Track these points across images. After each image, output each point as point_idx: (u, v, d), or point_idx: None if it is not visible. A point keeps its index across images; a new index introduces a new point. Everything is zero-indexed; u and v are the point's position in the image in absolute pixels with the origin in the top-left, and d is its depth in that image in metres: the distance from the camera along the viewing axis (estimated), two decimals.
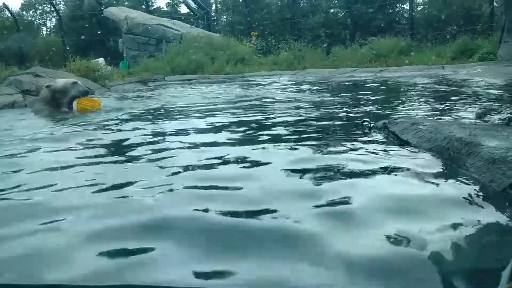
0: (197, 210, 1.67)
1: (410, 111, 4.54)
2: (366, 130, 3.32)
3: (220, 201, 1.82)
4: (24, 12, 34.58)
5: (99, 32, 24.48)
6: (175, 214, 1.68)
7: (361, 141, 3.02)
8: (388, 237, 1.40)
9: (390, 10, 21.12)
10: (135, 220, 1.61)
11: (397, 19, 20.47)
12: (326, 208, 1.69)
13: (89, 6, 28.68)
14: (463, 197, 1.81)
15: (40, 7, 36.56)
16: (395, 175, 2.18)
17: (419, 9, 20.64)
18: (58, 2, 33.07)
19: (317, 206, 1.70)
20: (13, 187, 2.15)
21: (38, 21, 36.34)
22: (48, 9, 35.61)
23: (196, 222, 1.58)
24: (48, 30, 35.69)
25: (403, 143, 2.85)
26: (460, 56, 12.60)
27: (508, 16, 11.05)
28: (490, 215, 1.62)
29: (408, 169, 2.23)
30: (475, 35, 14.04)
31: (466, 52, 12.64)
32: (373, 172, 2.22)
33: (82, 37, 23.56)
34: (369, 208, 1.67)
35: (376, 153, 2.63)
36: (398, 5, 21.40)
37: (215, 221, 1.59)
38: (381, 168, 2.29)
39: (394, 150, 2.71)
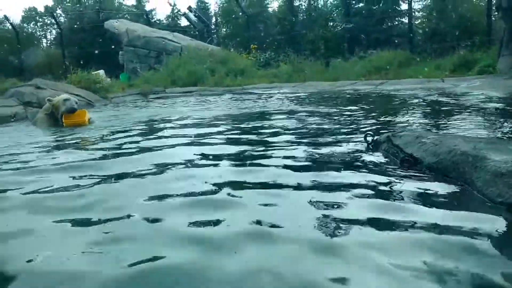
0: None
1: (411, 124, 4.55)
2: (370, 143, 3.31)
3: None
4: (25, 24, 34.76)
5: (100, 44, 24.56)
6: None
7: (364, 155, 3.02)
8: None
9: (389, 24, 21.28)
10: None
11: (396, 32, 20.60)
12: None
13: (90, 18, 28.86)
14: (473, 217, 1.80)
15: (40, 20, 36.77)
16: (400, 191, 2.17)
17: (417, 22, 20.79)
18: (59, 15, 33.28)
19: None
20: None
21: (39, 33, 36.54)
22: (48, 22, 35.83)
23: None
24: (49, 42, 35.86)
25: (407, 157, 2.84)
26: (459, 69, 12.64)
27: (506, 29, 11.11)
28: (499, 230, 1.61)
29: (414, 185, 2.22)
30: (474, 48, 14.12)
31: (466, 65, 12.68)
32: (375, 188, 2.21)
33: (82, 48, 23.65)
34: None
35: (379, 168, 2.62)
36: (397, 18, 21.57)
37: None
38: (384, 183, 2.28)
39: (398, 164, 2.70)
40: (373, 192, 2.13)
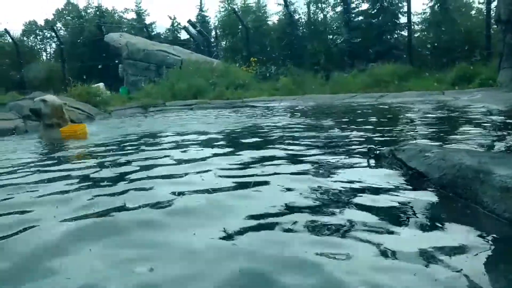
0: None
1: (413, 138, 4.51)
2: (372, 157, 3.27)
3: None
4: (25, 38, 34.95)
5: (100, 57, 24.70)
6: None
7: (366, 169, 2.98)
8: None
9: (389, 37, 21.42)
10: None
11: (396, 45, 20.72)
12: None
13: (90, 32, 29.07)
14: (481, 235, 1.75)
15: (40, 33, 37.00)
16: (403, 206, 2.12)
17: (416, 35, 20.92)
18: (59, 28, 33.50)
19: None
20: None
21: (39, 47, 36.74)
22: (48, 35, 36.06)
23: None
24: (49, 55, 36.06)
25: (410, 171, 2.80)
26: (459, 82, 12.66)
27: (506, 42, 11.15)
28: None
29: (418, 199, 2.18)
30: (474, 61, 14.17)
31: (466, 78, 12.70)
32: (378, 203, 2.16)
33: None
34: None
35: (382, 182, 2.57)
36: (396, 32, 21.72)
37: None
38: (387, 198, 2.23)
39: (401, 178, 2.66)
40: (376, 207, 2.09)
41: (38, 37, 37.22)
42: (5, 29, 26.95)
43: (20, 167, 3.74)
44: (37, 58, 31.67)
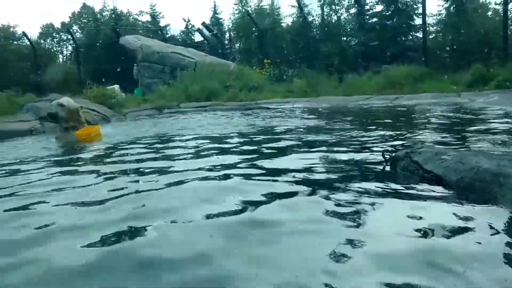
0: None
1: (429, 140, 4.47)
2: (387, 160, 3.25)
3: None
4: (42, 41, 35.46)
5: (115, 60, 24.95)
6: None
7: (382, 172, 2.96)
8: None
9: (404, 38, 21.23)
10: None
11: (411, 47, 20.53)
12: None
13: (105, 34, 29.37)
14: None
15: (57, 36, 37.50)
16: (421, 210, 2.10)
17: (431, 37, 20.71)
18: (75, 31, 33.93)
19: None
20: None
21: (55, 49, 37.23)
22: (64, 37, 36.52)
23: None
24: (65, 57, 36.52)
25: (426, 174, 2.77)
26: (475, 83, 12.50)
27: None
28: None
29: (435, 202, 2.16)
30: (490, 62, 13.99)
31: (482, 80, 12.54)
32: (395, 207, 2.14)
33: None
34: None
35: (399, 185, 2.56)
36: (411, 33, 21.52)
37: None
38: (404, 202, 2.22)
39: (418, 181, 2.64)
40: (393, 211, 2.07)
41: (55, 40, 37.74)
42: (23, 32, 27.46)
43: (33, 168, 3.79)
44: (54, 61, 32.11)
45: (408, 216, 1.96)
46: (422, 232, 1.76)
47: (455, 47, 17.49)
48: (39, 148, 5.75)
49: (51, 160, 4.43)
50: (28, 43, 27.29)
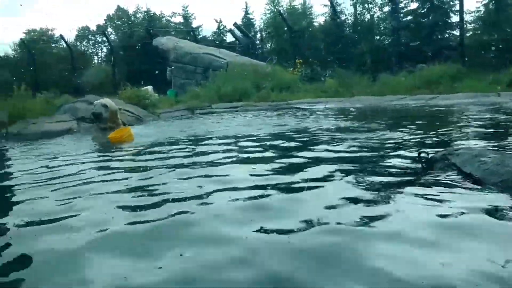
0: None
1: (467, 141, 4.33)
2: (424, 161, 3.16)
3: None
4: (78, 43, 36.50)
5: (148, 61, 25.40)
6: None
7: (418, 174, 2.88)
8: None
9: (439, 36, 20.70)
10: None
11: (447, 45, 19.98)
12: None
13: (139, 36, 29.93)
14: None
15: (92, 38, 38.51)
16: (462, 214, 2.02)
17: (469, 34, 20.10)
18: (110, 33, 34.75)
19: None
20: None
21: (91, 51, 38.25)
22: (100, 39, 37.46)
23: None
24: (100, 59, 37.47)
25: (465, 176, 2.68)
26: None
27: None
28: None
29: (477, 204, 2.08)
30: None
31: None
32: (434, 209, 2.08)
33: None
34: None
35: (436, 187, 2.48)
36: (447, 31, 20.96)
37: None
38: (444, 205, 2.15)
39: (456, 184, 2.55)
40: (433, 213, 2.00)
41: (90, 42, 38.79)
42: (60, 35, 28.36)
43: (75, 168, 3.89)
44: (89, 62, 32.98)
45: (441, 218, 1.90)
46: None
47: (494, 45, 16.89)
48: (82, 147, 5.90)
49: (100, 159, 4.54)
50: (65, 45, 28.15)
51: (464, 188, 2.46)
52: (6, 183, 3.56)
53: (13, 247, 1.85)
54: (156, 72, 21.97)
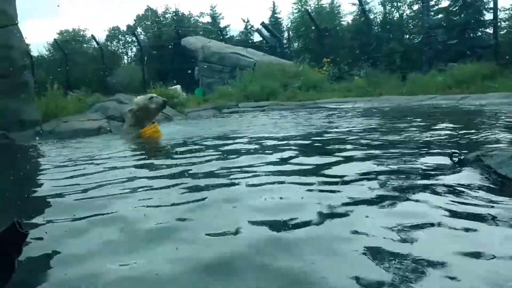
0: None
1: (502, 142, 4.21)
2: (456, 163, 3.10)
3: None
4: (109, 43, 37.23)
5: (177, 60, 25.68)
6: None
7: (450, 176, 2.82)
8: None
9: (472, 35, 20.16)
10: None
11: (480, 43, 19.44)
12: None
13: (168, 36, 30.31)
14: None
15: (122, 38, 39.22)
16: (497, 217, 1.97)
17: (502, 32, 19.50)
18: (139, 33, 35.30)
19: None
20: None
21: (121, 51, 38.96)
22: (129, 39, 38.12)
23: None
24: (129, 59, 38.13)
25: (500, 178, 2.61)
26: None
27: None
28: None
29: None
30: None
31: None
32: (467, 213, 2.03)
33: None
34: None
35: (470, 190, 2.42)
36: (480, 29, 20.39)
37: None
38: (478, 208, 2.10)
39: (491, 186, 2.48)
40: (466, 217, 1.96)
41: (120, 42, 39.51)
42: (92, 35, 28.98)
43: (113, 166, 3.98)
44: (119, 62, 33.60)
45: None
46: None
47: None
48: (116, 145, 6.05)
49: (133, 157, 4.64)
50: (96, 45, 28.78)
51: (501, 190, 2.40)
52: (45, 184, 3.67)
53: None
54: (189, 71, 22.24)
